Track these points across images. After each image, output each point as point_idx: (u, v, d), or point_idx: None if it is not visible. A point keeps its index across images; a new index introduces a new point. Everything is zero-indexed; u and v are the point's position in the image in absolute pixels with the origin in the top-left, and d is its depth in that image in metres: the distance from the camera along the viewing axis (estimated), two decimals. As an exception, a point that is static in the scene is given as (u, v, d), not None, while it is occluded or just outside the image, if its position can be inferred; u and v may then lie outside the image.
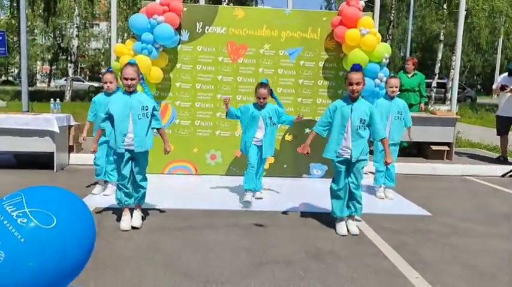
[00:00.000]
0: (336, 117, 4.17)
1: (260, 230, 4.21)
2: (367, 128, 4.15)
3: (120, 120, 4.03)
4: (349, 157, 4.15)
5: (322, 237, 4.10)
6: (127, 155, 4.09)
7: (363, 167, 4.27)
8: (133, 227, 4.11)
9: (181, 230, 4.13)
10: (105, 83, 5.12)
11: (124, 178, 4.13)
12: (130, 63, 4.13)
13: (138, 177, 4.19)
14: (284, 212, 4.80)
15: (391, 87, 5.35)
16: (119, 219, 4.30)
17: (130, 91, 4.08)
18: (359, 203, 4.29)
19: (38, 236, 1.40)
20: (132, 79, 4.03)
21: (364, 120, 4.10)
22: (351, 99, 4.14)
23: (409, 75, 8.22)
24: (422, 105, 8.41)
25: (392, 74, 5.75)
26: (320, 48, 6.51)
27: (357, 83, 4.03)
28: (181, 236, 3.96)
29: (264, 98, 4.94)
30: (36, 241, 1.40)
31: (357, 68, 4.11)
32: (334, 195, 4.30)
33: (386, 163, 4.30)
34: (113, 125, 4.08)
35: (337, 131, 4.16)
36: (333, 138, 4.20)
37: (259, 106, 5.00)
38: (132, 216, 4.19)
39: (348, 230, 4.21)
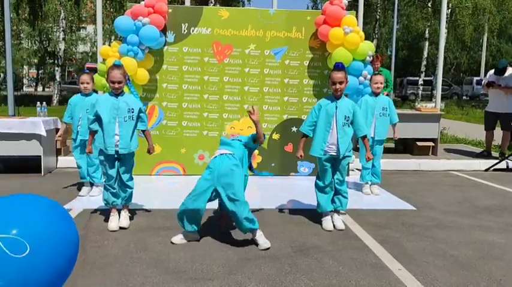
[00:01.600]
0: (321, 115, 4.26)
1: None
2: (350, 125, 4.25)
3: (107, 122, 4.06)
4: (335, 153, 4.24)
5: (308, 233, 4.16)
6: (113, 156, 4.12)
7: (348, 164, 4.36)
8: (121, 228, 4.14)
9: (169, 229, 4.16)
10: (82, 83, 5.21)
11: (110, 179, 4.16)
12: (117, 66, 4.15)
13: (125, 177, 4.22)
14: (271, 210, 4.85)
15: (376, 83, 5.44)
16: (106, 220, 4.32)
17: (117, 93, 4.11)
18: (344, 197, 4.38)
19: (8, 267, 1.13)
20: (119, 82, 4.06)
21: (348, 117, 4.21)
22: (335, 97, 4.25)
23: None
24: (385, 93, 8.55)
25: (376, 72, 5.81)
26: (305, 48, 6.58)
27: (340, 82, 4.15)
28: (169, 235, 3.98)
29: None
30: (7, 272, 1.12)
31: (339, 67, 4.19)
32: (320, 191, 4.38)
33: (368, 159, 4.43)
34: (100, 127, 4.11)
35: (323, 128, 4.25)
36: (319, 136, 4.28)
37: None
38: (119, 216, 4.22)
39: (334, 225, 4.28)
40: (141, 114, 4.23)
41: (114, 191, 4.19)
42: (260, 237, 3.74)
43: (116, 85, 4.06)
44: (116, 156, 4.14)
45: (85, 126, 4.76)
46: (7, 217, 1.37)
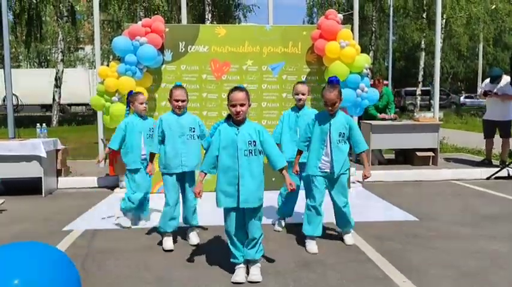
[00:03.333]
0: (315, 131, 4.07)
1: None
2: (347, 141, 4.09)
3: (173, 141, 4.11)
4: (329, 171, 4.05)
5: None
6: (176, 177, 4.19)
7: (347, 180, 4.26)
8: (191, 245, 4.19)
9: (176, 249, 4.15)
10: (141, 103, 4.77)
11: (174, 202, 4.16)
12: (179, 86, 4.17)
13: (191, 195, 4.23)
14: (271, 225, 4.83)
15: (297, 94, 4.69)
16: (108, 240, 4.31)
17: (179, 113, 4.14)
18: (349, 221, 4.27)
19: None
20: (182, 101, 4.08)
21: (344, 133, 4.03)
22: (329, 114, 4.04)
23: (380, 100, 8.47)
24: (393, 115, 8.75)
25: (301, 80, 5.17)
26: (302, 62, 6.63)
27: (332, 104, 3.94)
28: (171, 254, 3.98)
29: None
30: None
31: (333, 82, 4.01)
32: (309, 211, 4.11)
33: (365, 177, 4.16)
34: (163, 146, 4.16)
35: (317, 145, 4.06)
36: (313, 153, 4.09)
37: None
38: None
39: (344, 242, 4.24)
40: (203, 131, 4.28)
41: (174, 215, 4.18)
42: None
43: (180, 103, 4.08)
44: (179, 177, 4.18)
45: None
46: (9, 267, 1.38)
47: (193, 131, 4.18)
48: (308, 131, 4.14)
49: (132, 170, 4.76)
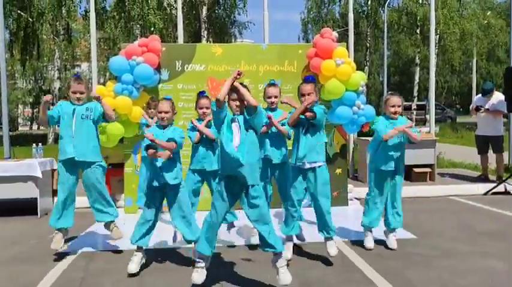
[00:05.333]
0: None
1: (248, 265, 4.20)
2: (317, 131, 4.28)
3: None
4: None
5: (310, 266, 4.12)
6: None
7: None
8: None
9: (169, 269, 4.10)
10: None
11: (150, 217, 4.09)
12: (166, 99, 4.18)
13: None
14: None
15: (269, 97, 4.65)
16: (104, 261, 4.27)
17: (164, 125, 4.12)
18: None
19: None
20: (166, 112, 4.07)
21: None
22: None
23: None
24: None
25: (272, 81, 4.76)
26: (298, 80, 6.61)
27: (309, 94, 4.14)
28: (169, 276, 3.94)
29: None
30: None
31: (308, 79, 4.23)
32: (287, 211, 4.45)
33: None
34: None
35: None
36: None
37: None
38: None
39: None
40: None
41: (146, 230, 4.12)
42: None
43: (163, 114, 4.06)
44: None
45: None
46: None
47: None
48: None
49: None
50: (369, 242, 4.64)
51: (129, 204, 6.51)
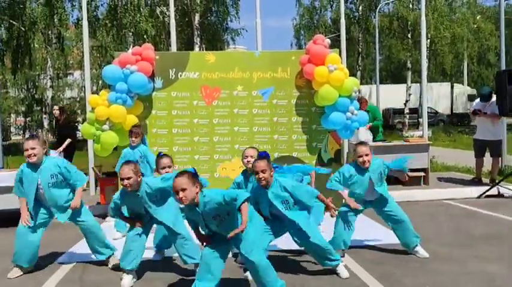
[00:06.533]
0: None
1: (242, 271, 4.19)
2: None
3: None
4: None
5: (306, 273, 4.12)
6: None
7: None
8: None
9: (165, 280, 4.09)
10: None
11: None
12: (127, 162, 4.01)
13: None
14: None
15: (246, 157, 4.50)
16: (99, 274, 4.26)
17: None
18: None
19: None
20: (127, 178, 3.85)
21: (287, 201, 3.92)
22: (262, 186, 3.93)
23: None
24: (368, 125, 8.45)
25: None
26: (291, 87, 6.70)
27: (262, 171, 3.81)
28: (166, 285, 3.92)
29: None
30: None
31: (261, 155, 4.01)
32: None
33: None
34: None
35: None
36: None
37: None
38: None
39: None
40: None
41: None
42: None
43: (125, 181, 3.86)
44: None
45: None
46: None
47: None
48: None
49: None
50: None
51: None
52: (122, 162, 4.16)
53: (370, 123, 8.48)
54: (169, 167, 4.52)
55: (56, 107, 9.13)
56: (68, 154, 8.29)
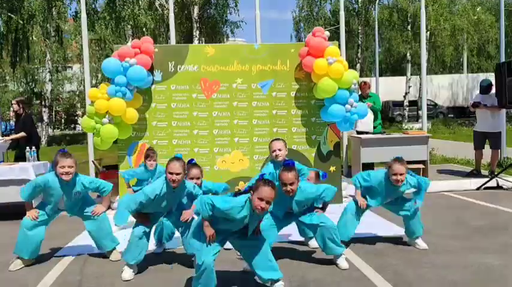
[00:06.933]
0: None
1: (243, 263, 4.21)
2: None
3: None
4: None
5: (306, 265, 4.14)
6: None
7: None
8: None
9: (166, 271, 4.11)
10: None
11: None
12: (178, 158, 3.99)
13: None
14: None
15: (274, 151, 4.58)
16: (100, 266, 4.28)
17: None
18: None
19: None
20: (177, 173, 3.87)
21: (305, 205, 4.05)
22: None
23: (364, 100, 8.46)
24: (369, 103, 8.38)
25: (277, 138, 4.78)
26: (291, 79, 6.69)
27: (291, 184, 3.80)
28: (167, 278, 3.94)
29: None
30: None
31: (289, 165, 3.87)
32: None
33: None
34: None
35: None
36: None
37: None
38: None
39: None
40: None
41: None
42: None
43: (174, 176, 3.85)
44: None
45: None
46: None
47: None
48: None
49: None
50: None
51: (124, 206, 6.50)
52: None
53: (371, 103, 8.46)
54: (198, 178, 4.42)
55: (14, 101, 8.29)
56: (21, 150, 7.73)
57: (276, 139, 4.67)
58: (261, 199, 3.18)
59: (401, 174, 4.33)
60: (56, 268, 4.28)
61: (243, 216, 3.27)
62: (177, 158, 3.94)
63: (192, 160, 4.55)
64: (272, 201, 3.24)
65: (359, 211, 4.60)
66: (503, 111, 8.89)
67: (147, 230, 4.05)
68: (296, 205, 3.97)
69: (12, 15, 19.99)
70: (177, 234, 4.51)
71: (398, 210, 4.66)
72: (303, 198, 3.95)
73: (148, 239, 4.09)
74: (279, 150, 4.52)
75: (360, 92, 8.57)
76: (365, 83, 8.80)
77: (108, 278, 3.96)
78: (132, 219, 4.25)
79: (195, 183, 4.31)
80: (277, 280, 3.52)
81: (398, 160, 4.41)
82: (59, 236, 5.37)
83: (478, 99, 8.35)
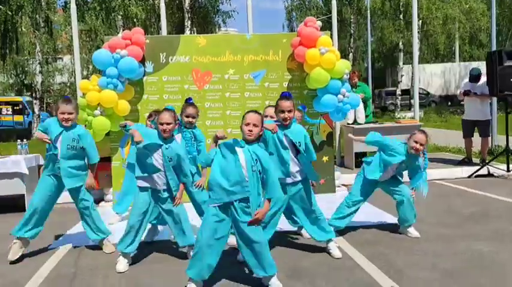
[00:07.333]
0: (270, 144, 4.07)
1: (235, 253, 4.23)
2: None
3: None
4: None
5: (298, 255, 4.18)
6: None
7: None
8: None
9: (161, 262, 4.13)
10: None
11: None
12: (167, 109, 4.05)
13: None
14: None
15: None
16: (95, 257, 4.28)
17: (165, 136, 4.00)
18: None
19: None
20: (167, 123, 3.95)
21: (300, 143, 4.06)
22: (284, 125, 4.06)
23: (354, 89, 8.45)
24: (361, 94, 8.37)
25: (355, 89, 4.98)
26: (283, 70, 6.68)
27: (289, 111, 3.98)
28: (161, 269, 3.96)
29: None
30: None
31: (286, 95, 4.05)
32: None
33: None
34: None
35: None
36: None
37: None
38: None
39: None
40: None
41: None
42: None
43: (164, 126, 3.94)
44: None
45: None
46: None
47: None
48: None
49: None
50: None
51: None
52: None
53: (362, 94, 8.48)
54: (194, 117, 4.62)
55: None
56: None
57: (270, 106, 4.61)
58: (247, 124, 3.55)
59: (421, 144, 4.43)
60: (51, 260, 4.28)
61: None
62: (168, 109, 4.03)
63: (190, 99, 4.76)
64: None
65: (360, 201, 4.71)
66: (494, 99, 8.94)
67: (142, 220, 4.04)
68: (293, 135, 4.04)
69: (0, 7, 19.71)
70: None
71: (393, 193, 4.71)
72: (296, 129, 4.10)
73: (143, 229, 4.08)
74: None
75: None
76: (354, 71, 8.80)
77: (103, 270, 3.97)
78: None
79: (190, 121, 4.52)
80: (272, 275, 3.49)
81: (423, 131, 4.58)
82: (53, 228, 5.36)
83: (467, 87, 8.38)
